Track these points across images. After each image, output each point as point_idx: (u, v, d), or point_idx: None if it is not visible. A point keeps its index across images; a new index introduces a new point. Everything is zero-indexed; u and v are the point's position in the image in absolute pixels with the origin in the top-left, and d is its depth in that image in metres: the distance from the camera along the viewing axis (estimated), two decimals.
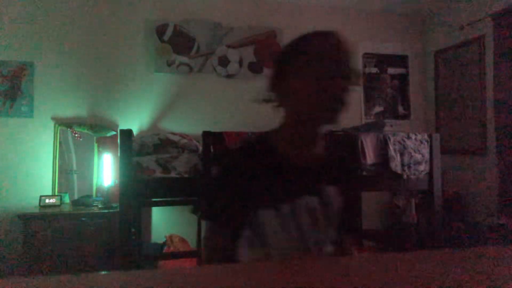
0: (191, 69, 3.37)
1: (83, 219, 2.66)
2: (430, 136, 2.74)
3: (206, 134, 2.38)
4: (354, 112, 3.78)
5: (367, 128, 2.96)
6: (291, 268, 0.35)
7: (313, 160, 0.97)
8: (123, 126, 3.10)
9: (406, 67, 4.00)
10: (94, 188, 3.13)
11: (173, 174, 2.29)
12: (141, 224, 3.11)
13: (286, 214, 0.90)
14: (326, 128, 0.98)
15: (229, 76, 3.47)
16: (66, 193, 3.06)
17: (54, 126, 3.05)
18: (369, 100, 3.87)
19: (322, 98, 0.88)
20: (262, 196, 0.91)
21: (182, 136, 2.60)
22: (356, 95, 3.83)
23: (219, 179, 0.99)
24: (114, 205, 2.82)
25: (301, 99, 0.90)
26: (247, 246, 0.91)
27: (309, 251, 0.91)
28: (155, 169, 2.28)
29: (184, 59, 3.35)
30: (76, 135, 3.13)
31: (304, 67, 0.90)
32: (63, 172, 3.07)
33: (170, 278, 0.31)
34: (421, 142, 2.71)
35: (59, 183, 3.03)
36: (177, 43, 3.33)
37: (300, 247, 0.91)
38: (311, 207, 0.92)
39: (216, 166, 1.02)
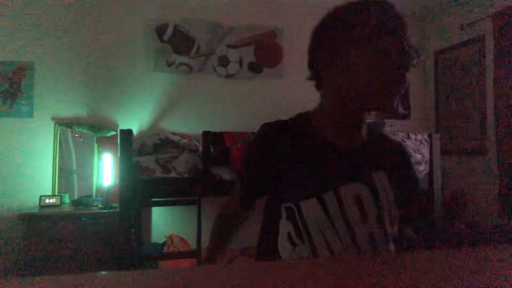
0: (191, 69, 3.37)
1: (83, 219, 2.66)
2: (430, 136, 2.74)
3: (206, 134, 2.38)
4: None
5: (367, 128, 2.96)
6: (292, 269, 0.35)
7: (358, 143, 0.86)
8: (123, 126, 3.11)
9: None
10: (94, 188, 3.13)
11: (173, 174, 2.29)
12: (141, 224, 3.11)
13: (330, 204, 0.78)
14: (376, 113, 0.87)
15: (229, 76, 3.47)
16: (66, 193, 3.06)
17: (54, 126, 3.05)
18: None
19: (375, 79, 0.75)
20: (302, 184, 0.79)
21: (182, 136, 2.61)
22: None
23: (252, 165, 0.89)
24: (114, 205, 2.82)
25: (350, 78, 0.78)
26: (289, 243, 0.79)
27: (359, 249, 0.78)
28: (155, 169, 2.28)
29: (184, 59, 3.35)
30: (76, 135, 3.13)
31: (355, 40, 0.77)
32: (63, 172, 3.07)
33: (170, 278, 0.31)
34: (421, 142, 2.71)
35: (59, 183, 3.03)
36: (177, 43, 3.33)
37: (349, 244, 0.77)
38: (359, 196, 0.79)
39: (249, 150, 0.93)
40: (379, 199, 0.81)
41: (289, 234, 0.79)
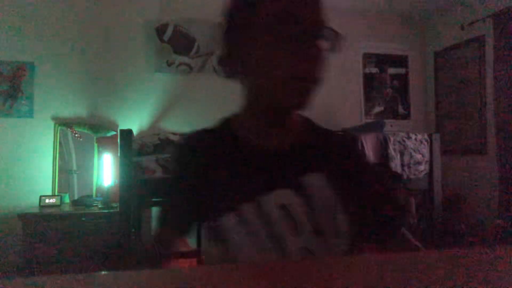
0: (191, 69, 3.37)
1: (83, 219, 2.66)
2: (430, 136, 2.74)
3: None
4: (354, 112, 3.78)
5: (367, 128, 2.96)
6: (295, 269, 0.35)
7: (286, 144, 0.74)
8: (123, 126, 3.11)
9: (406, 67, 4.00)
10: (94, 188, 3.12)
11: None
12: (141, 224, 3.10)
13: (251, 217, 0.67)
14: (296, 112, 0.75)
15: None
16: (66, 193, 3.06)
17: (54, 126, 3.05)
18: (369, 100, 3.87)
19: (286, 73, 0.63)
20: (221, 197, 0.69)
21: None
22: (356, 95, 3.83)
23: (169, 180, 0.79)
24: (114, 205, 2.82)
25: (258, 75, 0.68)
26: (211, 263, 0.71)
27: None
28: (155, 169, 2.28)
29: (184, 59, 3.35)
30: (76, 135, 3.13)
31: (255, 27, 0.65)
32: (63, 172, 3.07)
33: (170, 278, 0.31)
34: (421, 142, 2.71)
35: (59, 183, 3.03)
36: (177, 43, 3.33)
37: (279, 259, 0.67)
38: (286, 204, 0.68)
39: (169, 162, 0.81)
40: (313, 206, 0.69)
41: (208, 254, 0.70)
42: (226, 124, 0.80)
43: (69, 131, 3.11)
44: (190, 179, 0.74)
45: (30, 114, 3.01)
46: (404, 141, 2.66)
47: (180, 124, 3.29)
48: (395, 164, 2.57)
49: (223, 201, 0.69)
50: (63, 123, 3.08)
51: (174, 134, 2.69)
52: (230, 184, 0.70)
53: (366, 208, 0.74)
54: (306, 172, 0.71)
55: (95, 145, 3.17)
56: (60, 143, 3.06)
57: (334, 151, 0.78)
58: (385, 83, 3.94)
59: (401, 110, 3.97)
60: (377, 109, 3.89)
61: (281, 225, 0.67)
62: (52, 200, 2.85)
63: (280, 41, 0.63)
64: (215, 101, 3.44)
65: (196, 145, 0.78)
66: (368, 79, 3.87)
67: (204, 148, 0.76)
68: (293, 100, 0.66)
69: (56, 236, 2.59)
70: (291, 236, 0.67)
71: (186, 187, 0.75)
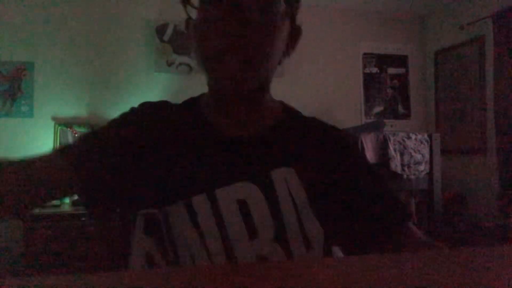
0: (191, 69, 3.37)
1: (83, 219, 2.66)
2: (430, 136, 2.74)
3: None
4: (354, 112, 3.78)
5: (367, 128, 2.96)
6: (300, 268, 0.34)
7: (255, 130, 0.65)
8: None
9: (406, 67, 4.00)
10: None
11: None
12: None
13: (199, 211, 0.57)
14: (263, 94, 0.67)
15: None
16: None
17: (54, 126, 3.05)
18: (369, 100, 3.87)
19: (208, 38, 0.56)
20: (169, 182, 0.60)
21: None
22: (356, 95, 3.83)
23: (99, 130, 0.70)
24: None
25: (193, 44, 0.61)
26: (146, 260, 0.59)
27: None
28: None
29: (184, 59, 3.35)
30: (76, 135, 3.13)
31: None
32: None
33: (170, 278, 0.31)
34: (421, 142, 2.71)
35: None
36: (177, 43, 3.33)
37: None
38: (244, 200, 0.58)
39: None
40: (278, 204, 0.59)
41: (148, 254, 0.58)
42: (194, 101, 0.74)
43: (69, 131, 3.11)
44: (136, 145, 0.63)
45: (30, 114, 3.01)
46: (404, 141, 2.66)
47: None
48: (395, 164, 2.57)
49: (174, 187, 0.60)
50: (63, 123, 3.07)
51: None
52: (184, 168, 0.61)
53: (362, 209, 0.64)
54: (278, 163, 0.62)
55: None
56: (60, 143, 3.06)
57: (324, 143, 0.69)
58: (385, 83, 3.94)
59: (401, 110, 3.97)
60: (377, 109, 3.89)
61: (234, 223, 0.58)
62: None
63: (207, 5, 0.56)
64: None
65: (151, 110, 0.69)
66: (368, 79, 3.87)
67: (159, 117, 0.67)
68: (228, 77, 0.57)
69: (56, 236, 2.59)
70: (246, 236, 0.57)
71: (119, 150, 0.63)
